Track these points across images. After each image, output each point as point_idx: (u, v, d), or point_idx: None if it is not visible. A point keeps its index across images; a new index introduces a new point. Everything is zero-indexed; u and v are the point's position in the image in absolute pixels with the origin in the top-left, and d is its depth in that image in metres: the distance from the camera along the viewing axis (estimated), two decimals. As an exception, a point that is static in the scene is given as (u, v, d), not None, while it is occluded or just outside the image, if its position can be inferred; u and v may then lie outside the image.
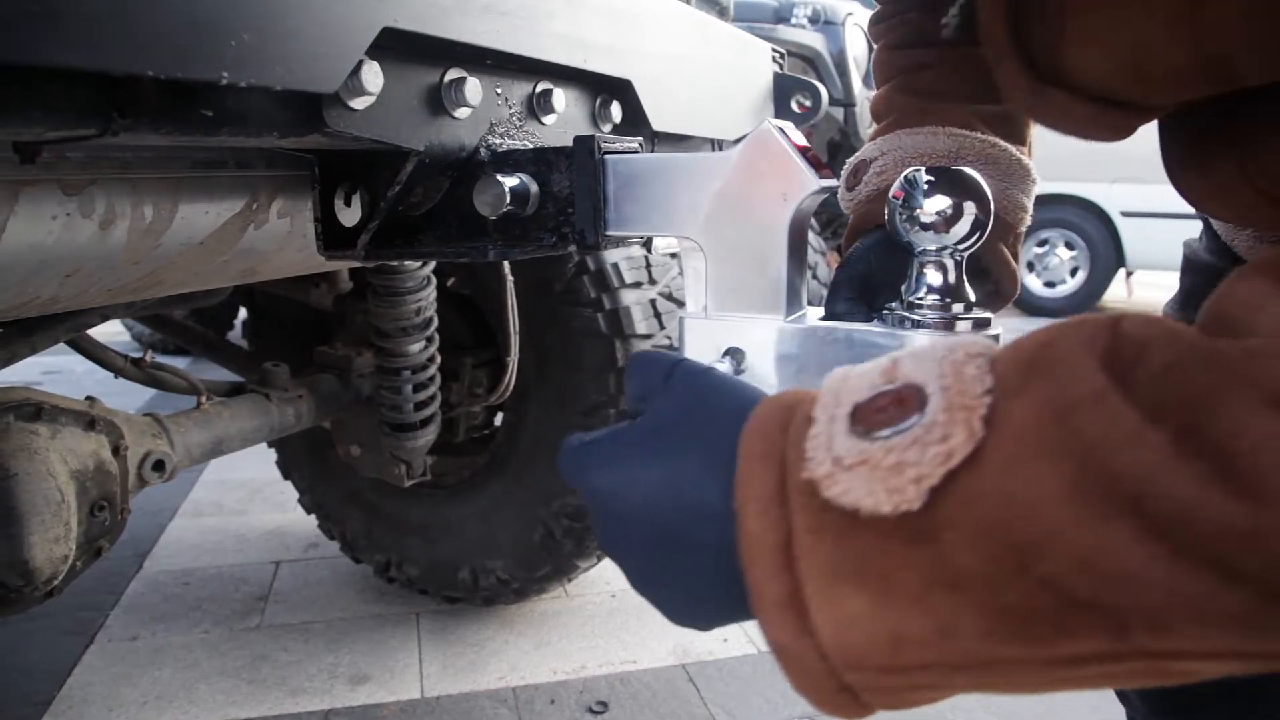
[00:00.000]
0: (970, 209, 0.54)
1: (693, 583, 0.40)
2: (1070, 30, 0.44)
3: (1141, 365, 0.30)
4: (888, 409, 0.34)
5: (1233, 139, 0.45)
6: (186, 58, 0.47)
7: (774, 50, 1.34)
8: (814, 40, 3.65)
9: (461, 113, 0.70)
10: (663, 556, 0.41)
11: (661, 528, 0.40)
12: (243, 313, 2.21)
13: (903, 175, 0.56)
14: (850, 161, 0.76)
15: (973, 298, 0.57)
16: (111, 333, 4.94)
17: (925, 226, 0.55)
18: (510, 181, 0.67)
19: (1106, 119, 0.48)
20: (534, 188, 0.68)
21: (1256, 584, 0.27)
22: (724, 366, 0.58)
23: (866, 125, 3.73)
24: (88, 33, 0.43)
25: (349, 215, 0.75)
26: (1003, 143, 0.71)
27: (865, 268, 0.66)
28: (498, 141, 0.74)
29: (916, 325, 0.55)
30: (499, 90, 0.75)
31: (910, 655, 0.32)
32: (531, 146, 0.77)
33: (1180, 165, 0.50)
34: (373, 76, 0.59)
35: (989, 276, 0.70)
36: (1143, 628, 0.29)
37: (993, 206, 0.56)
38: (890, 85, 0.77)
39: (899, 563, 0.32)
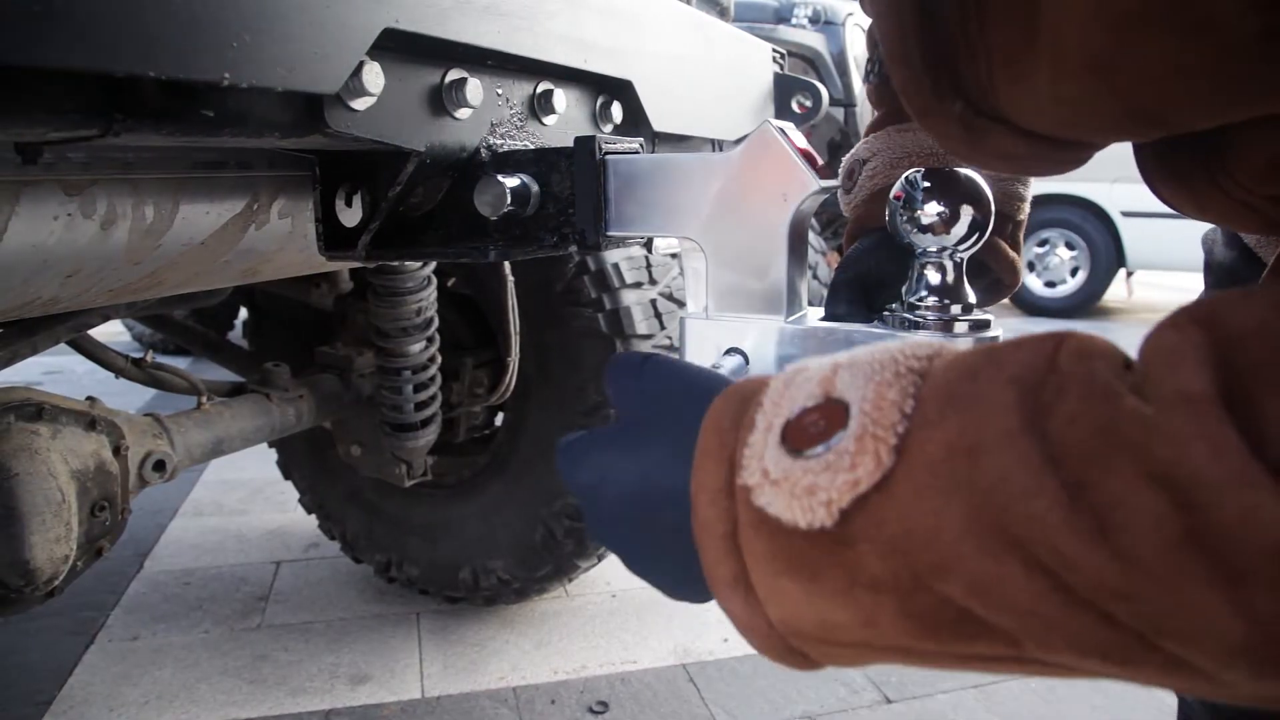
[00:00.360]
0: (969, 211, 0.54)
1: (674, 562, 0.43)
2: (998, 76, 0.43)
3: (1057, 407, 0.31)
4: (818, 423, 0.36)
5: (1201, 149, 0.44)
6: (188, 59, 0.47)
7: (774, 50, 1.34)
8: (814, 40, 3.65)
9: (462, 113, 0.70)
10: (643, 540, 0.44)
11: (638, 514, 0.44)
12: (243, 313, 2.22)
13: (903, 177, 0.57)
14: (845, 161, 0.76)
15: (973, 299, 0.57)
16: (112, 333, 4.94)
17: (925, 228, 0.55)
18: (511, 182, 0.67)
19: (1055, 155, 0.47)
20: (535, 188, 0.68)
21: (1127, 630, 0.29)
22: (730, 361, 0.58)
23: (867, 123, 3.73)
24: (90, 34, 0.43)
25: (350, 216, 0.75)
26: None
27: (865, 269, 0.66)
28: (499, 142, 0.74)
29: (916, 326, 0.55)
30: (500, 91, 0.75)
31: (840, 636, 0.36)
32: (532, 147, 0.77)
33: (1153, 175, 0.49)
34: (374, 77, 0.60)
35: (989, 269, 0.70)
36: (1034, 645, 0.32)
37: (992, 208, 0.56)
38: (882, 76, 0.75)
39: (824, 564, 0.35)
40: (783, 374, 0.40)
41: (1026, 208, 0.73)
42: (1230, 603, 0.27)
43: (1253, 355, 0.29)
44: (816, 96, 1.35)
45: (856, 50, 3.71)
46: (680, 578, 0.44)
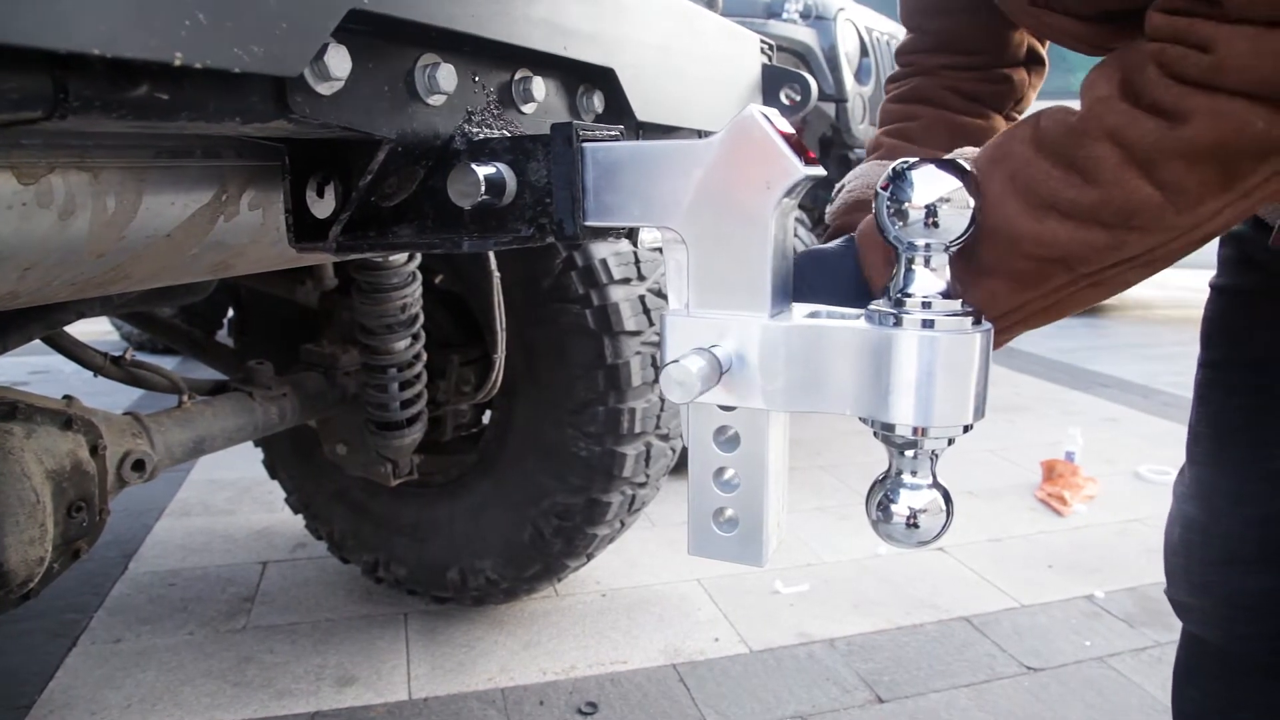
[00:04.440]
0: (958, 203, 0.52)
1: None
2: None
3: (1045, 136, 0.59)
4: None
5: None
6: (136, 36, 0.44)
7: (763, 42, 1.32)
8: (805, 35, 3.62)
9: (436, 100, 0.68)
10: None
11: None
12: (232, 311, 2.19)
13: (890, 168, 0.54)
14: (838, 185, 0.90)
15: (959, 291, 0.55)
16: (100, 331, 4.90)
17: (913, 220, 0.53)
18: (486, 171, 0.64)
19: (1089, 34, 0.70)
20: (511, 177, 0.65)
21: (1105, 227, 0.57)
22: (700, 360, 0.55)
23: (858, 121, 3.71)
24: (30, 7, 0.41)
25: (322, 206, 0.72)
26: None
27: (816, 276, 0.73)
28: (474, 130, 0.72)
29: (902, 323, 0.53)
30: (476, 77, 0.73)
31: (999, 305, 0.62)
32: (509, 135, 0.74)
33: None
34: (339, 60, 0.57)
35: None
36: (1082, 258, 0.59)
37: (981, 200, 0.54)
38: (884, 130, 0.97)
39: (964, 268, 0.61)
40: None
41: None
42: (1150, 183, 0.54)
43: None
44: (805, 88, 1.32)
45: (848, 45, 3.68)
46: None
